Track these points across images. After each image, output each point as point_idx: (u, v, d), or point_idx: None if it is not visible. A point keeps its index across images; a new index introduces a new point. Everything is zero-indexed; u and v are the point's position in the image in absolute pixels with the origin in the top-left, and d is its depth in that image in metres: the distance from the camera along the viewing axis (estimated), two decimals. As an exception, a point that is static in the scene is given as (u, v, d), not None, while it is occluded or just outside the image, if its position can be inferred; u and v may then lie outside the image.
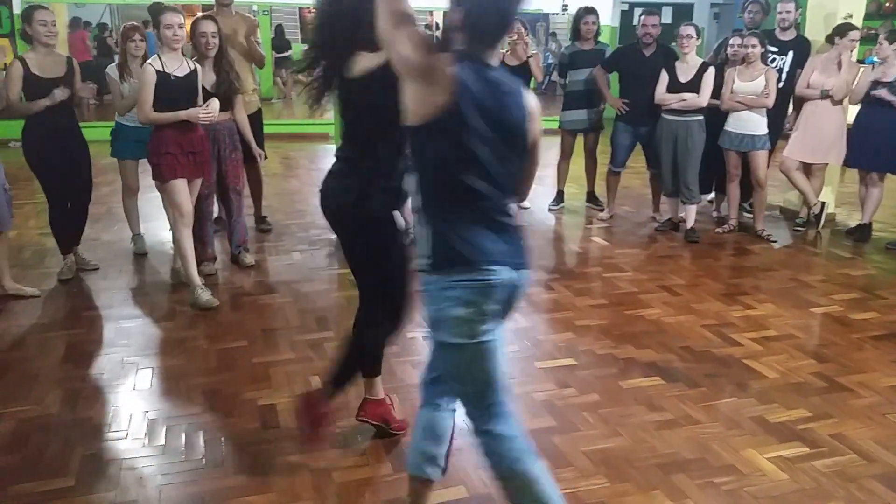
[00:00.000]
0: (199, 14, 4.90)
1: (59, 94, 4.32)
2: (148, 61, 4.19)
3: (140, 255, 5.19)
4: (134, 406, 3.19)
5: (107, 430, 2.99)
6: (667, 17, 6.34)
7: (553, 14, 18.69)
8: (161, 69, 4.09)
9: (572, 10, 12.49)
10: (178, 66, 4.16)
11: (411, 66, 1.83)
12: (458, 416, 2.27)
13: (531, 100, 2.00)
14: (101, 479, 2.67)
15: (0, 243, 4.32)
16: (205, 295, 4.25)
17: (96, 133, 5.92)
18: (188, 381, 3.41)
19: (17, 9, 8.97)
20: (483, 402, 2.08)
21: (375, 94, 2.35)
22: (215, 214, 5.11)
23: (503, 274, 1.97)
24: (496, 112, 1.90)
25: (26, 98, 4.34)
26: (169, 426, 3.01)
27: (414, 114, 1.88)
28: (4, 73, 4.36)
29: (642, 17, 5.98)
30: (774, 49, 6.04)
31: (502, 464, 2.11)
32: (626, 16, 12.50)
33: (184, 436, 2.94)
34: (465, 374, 2.05)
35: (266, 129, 5.69)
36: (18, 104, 4.31)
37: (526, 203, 6.77)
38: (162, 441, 2.91)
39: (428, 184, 1.96)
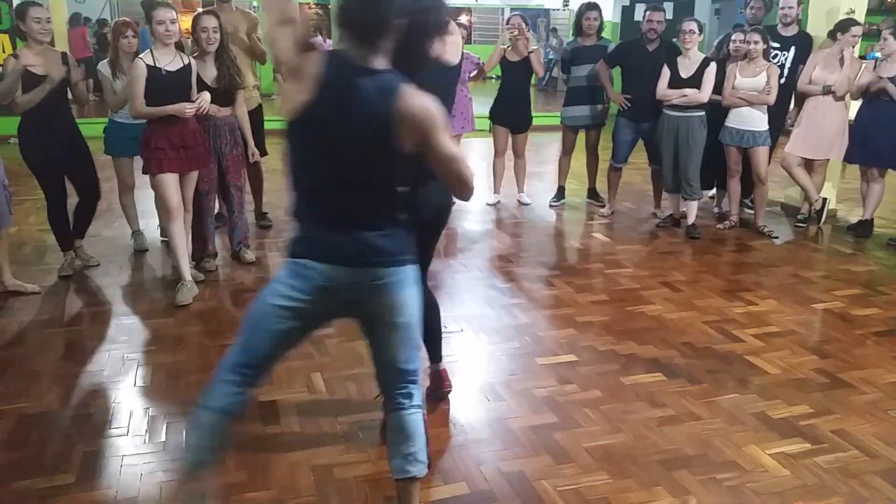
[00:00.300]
0: (200, 10, 4.88)
1: (57, 74, 4.30)
2: (140, 56, 4.19)
3: (140, 252, 5.18)
4: (134, 403, 3.18)
5: (107, 426, 2.99)
6: (668, 12, 6.30)
7: (554, 10, 18.73)
8: (152, 64, 4.09)
9: (573, 5, 12.49)
10: (171, 61, 4.16)
11: (285, 63, 1.97)
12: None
13: (410, 100, 1.90)
14: (101, 475, 2.67)
15: (0, 240, 4.32)
16: (181, 295, 4.25)
17: (94, 129, 5.91)
18: (189, 377, 3.40)
19: (15, 3, 8.94)
20: None
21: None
22: (216, 210, 5.09)
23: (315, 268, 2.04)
24: (349, 112, 1.91)
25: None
26: (169, 423, 3.01)
27: (285, 109, 1.98)
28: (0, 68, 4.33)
29: (648, 12, 5.96)
30: (776, 45, 6.03)
31: None
32: (627, 11, 12.45)
33: (184, 432, 2.93)
34: None
35: (267, 126, 5.67)
36: (20, 98, 4.29)
37: (527, 199, 6.78)
38: (162, 438, 2.90)
39: (292, 178, 2.07)
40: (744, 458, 2.81)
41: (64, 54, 4.51)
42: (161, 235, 5.34)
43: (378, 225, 2.04)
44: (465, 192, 2.09)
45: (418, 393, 2.23)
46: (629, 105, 6.05)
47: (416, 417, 2.23)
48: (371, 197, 2.03)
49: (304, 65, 1.94)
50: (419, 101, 1.92)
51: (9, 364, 3.52)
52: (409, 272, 2.10)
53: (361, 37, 1.94)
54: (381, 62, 1.95)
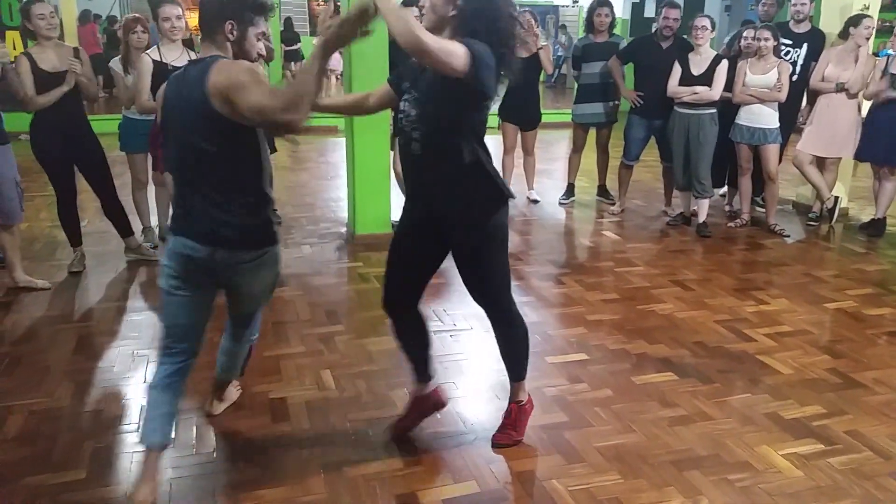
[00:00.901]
0: None
1: (75, 66, 4.33)
2: (146, 52, 4.19)
3: (152, 247, 5.18)
4: (144, 399, 3.17)
5: (118, 422, 2.99)
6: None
7: (563, 6, 18.66)
8: (159, 59, 4.10)
9: (583, 2, 12.43)
10: (178, 57, 4.17)
11: None
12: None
13: (212, 75, 2.16)
14: (112, 471, 2.67)
15: (12, 236, 4.33)
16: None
17: (105, 126, 5.92)
18: (199, 374, 3.36)
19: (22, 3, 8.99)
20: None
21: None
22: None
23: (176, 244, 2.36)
24: (180, 101, 2.29)
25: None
26: (180, 419, 3.00)
27: None
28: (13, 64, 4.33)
29: (664, 8, 5.90)
30: (788, 42, 5.99)
31: None
32: (637, 8, 12.42)
33: (195, 429, 2.94)
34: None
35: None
36: (37, 98, 4.30)
37: (536, 196, 6.75)
38: (172, 435, 2.89)
39: None
40: (756, 459, 2.79)
41: (76, 49, 4.52)
42: (160, 234, 5.33)
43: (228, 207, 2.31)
44: (292, 127, 2.10)
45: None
46: (641, 102, 6.02)
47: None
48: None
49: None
50: (223, 68, 2.15)
51: (19, 360, 3.53)
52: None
53: (204, 29, 2.33)
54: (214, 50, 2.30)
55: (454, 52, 2.18)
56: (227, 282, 2.45)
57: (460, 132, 2.42)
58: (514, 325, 2.78)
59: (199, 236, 2.31)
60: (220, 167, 2.27)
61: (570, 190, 6.79)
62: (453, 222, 2.54)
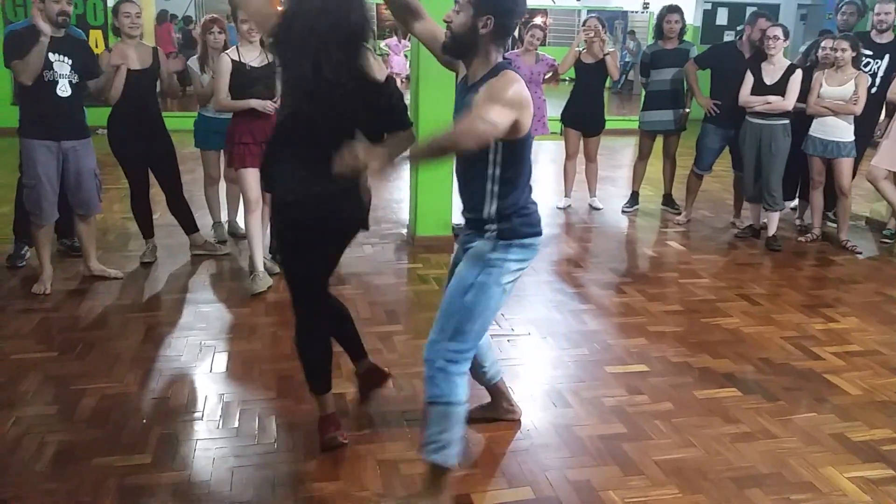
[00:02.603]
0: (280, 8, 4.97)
1: (175, 62, 4.61)
2: (226, 51, 4.31)
3: (220, 242, 5.32)
4: (210, 388, 3.27)
5: (183, 410, 3.08)
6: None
7: (633, 12, 18.43)
8: (237, 59, 4.21)
9: (654, 8, 12.26)
10: (256, 57, 4.27)
11: None
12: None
13: None
14: (176, 457, 2.75)
15: (88, 226, 4.50)
16: (256, 284, 4.34)
17: (179, 123, 6.11)
18: (262, 366, 3.48)
19: (111, 2, 9.31)
20: None
21: None
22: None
23: None
24: None
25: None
26: (243, 409, 3.08)
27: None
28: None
29: (759, 19, 5.71)
30: (869, 52, 5.78)
31: None
32: (708, 15, 12.19)
33: (257, 419, 3.01)
34: None
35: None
36: (112, 91, 4.46)
37: (598, 204, 6.69)
38: (236, 424, 2.98)
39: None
40: (820, 481, 2.71)
41: (155, 49, 4.67)
42: (229, 230, 5.48)
43: None
44: None
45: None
46: (717, 111, 5.88)
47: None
48: None
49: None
50: None
51: (92, 345, 3.67)
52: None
53: None
54: None
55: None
56: None
57: None
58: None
59: None
60: None
61: (633, 198, 6.70)
62: None
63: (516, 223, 2.43)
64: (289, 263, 2.75)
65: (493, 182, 2.38)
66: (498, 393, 3.02)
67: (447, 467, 2.42)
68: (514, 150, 2.35)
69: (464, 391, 2.41)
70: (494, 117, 2.15)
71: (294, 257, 2.70)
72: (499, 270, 2.44)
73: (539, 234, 2.50)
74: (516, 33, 8.25)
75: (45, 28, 3.93)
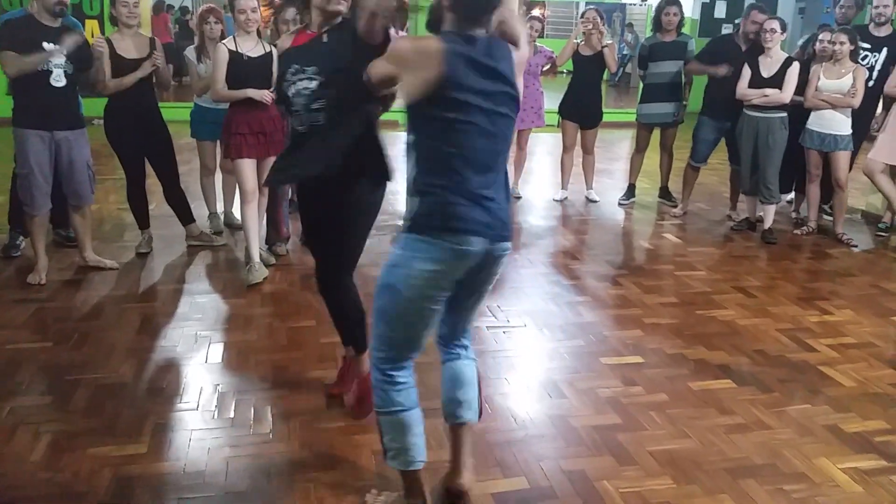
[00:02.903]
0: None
1: (159, 61, 4.50)
2: (223, 41, 4.30)
3: (216, 233, 5.31)
4: (205, 379, 3.27)
5: (178, 400, 3.08)
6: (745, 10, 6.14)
7: (631, 4, 18.38)
8: (234, 49, 4.19)
9: (652, 0, 12.25)
10: (253, 48, 4.25)
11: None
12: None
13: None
14: (171, 447, 2.75)
15: (83, 217, 4.49)
16: (251, 275, 4.34)
17: (175, 113, 6.10)
18: (258, 356, 3.48)
19: (106, -9, 9.30)
20: None
21: None
22: (290, 196, 5.19)
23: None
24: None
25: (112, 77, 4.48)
26: (238, 400, 3.08)
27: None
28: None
29: (753, 11, 5.76)
30: (867, 46, 5.78)
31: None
32: (706, 8, 12.17)
33: (252, 410, 3.01)
34: None
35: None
36: (110, 82, 4.45)
37: (595, 196, 6.69)
38: (231, 414, 2.98)
39: None
40: (814, 471, 2.72)
41: (152, 39, 4.65)
42: (225, 221, 5.48)
43: None
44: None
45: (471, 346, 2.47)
46: (709, 105, 5.89)
47: (471, 367, 2.43)
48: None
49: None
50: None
51: (87, 335, 3.66)
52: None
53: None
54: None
55: None
56: None
57: None
58: (350, 296, 2.89)
59: None
60: None
61: (630, 190, 6.70)
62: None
63: (418, 208, 2.11)
64: (351, 236, 2.88)
65: (407, 146, 2.17)
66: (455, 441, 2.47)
67: (410, 471, 2.34)
68: (413, 113, 2.14)
69: (403, 398, 2.26)
70: (373, 66, 2.24)
71: (355, 227, 2.87)
72: (404, 271, 2.12)
73: (453, 231, 2.05)
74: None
75: (49, 48, 3.93)
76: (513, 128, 2.25)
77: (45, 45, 3.94)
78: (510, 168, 6.70)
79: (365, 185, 2.80)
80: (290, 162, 2.84)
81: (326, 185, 2.73)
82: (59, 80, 4.11)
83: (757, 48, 5.57)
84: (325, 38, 2.73)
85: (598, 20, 6.18)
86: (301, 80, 2.68)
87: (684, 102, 6.31)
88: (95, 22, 9.21)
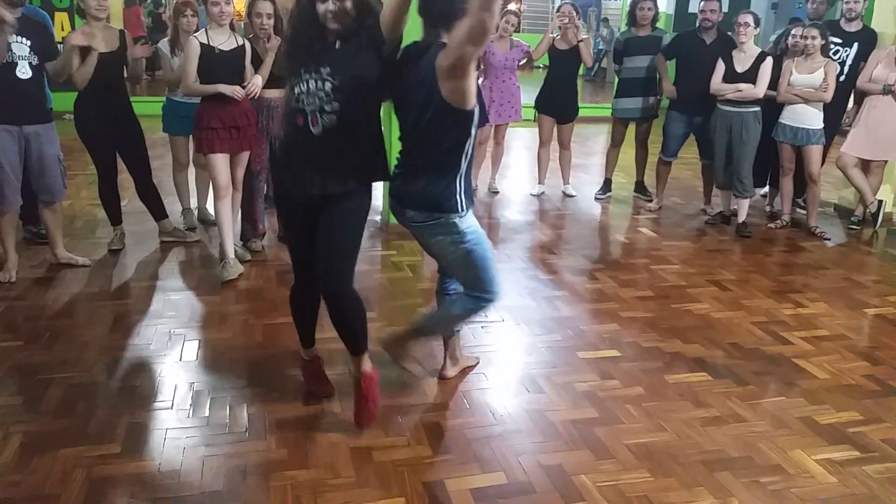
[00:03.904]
0: None
1: (102, 47, 4.36)
2: (194, 34, 4.24)
3: (189, 229, 5.25)
4: (180, 377, 3.23)
5: (152, 399, 3.04)
6: (724, 5, 6.18)
7: None
8: (206, 42, 4.13)
9: (626, -5, 12.29)
10: (225, 41, 4.20)
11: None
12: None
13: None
14: (145, 447, 2.71)
15: (54, 213, 4.41)
16: (226, 272, 4.31)
17: (147, 108, 6.01)
18: (234, 354, 3.45)
19: (76, -17, 9.16)
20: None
21: None
22: (266, 191, 5.14)
23: None
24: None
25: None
26: (213, 398, 3.05)
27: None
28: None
29: (702, 2, 5.84)
30: (838, 41, 5.84)
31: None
32: (681, 2, 12.24)
33: (228, 408, 2.98)
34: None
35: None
36: (76, 74, 4.36)
37: (572, 191, 6.71)
38: (206, 413, 2.94)
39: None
40: (789, 463, 2.75)
41: (122, 32, 4.57)
42: (198, 217, 5.42)
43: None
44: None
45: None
46: (678, 99, 5.94)
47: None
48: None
49: None
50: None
51: (59, 334, 3.60)
52: None
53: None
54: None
55: None
56: None
57: None
58: (358, 298, 2.84)
59: None
60: None
61: (606, 185, 6.72)
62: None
63: (463, 192, 2.80)
64: (354, 235, 2.81)
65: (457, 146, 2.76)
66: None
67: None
68: (465, 117, 2.65)
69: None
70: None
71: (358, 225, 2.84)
72: (480, 232, 2.88)
73: (472, 202, 2.85)
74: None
75: (9, 18, 3.82)
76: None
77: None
78: (488, 163, 6.73)
79: (368, 186, 2.86)
80: (312, 167, 2.68)
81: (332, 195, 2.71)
82: (24, 72, 4.02)
83: (726, 41, 5.64)
84: (337, 45, 2.61)
85: (574, 14, 6.18)
86: (313, 78, 2.58)
87: (658, 97, 6.34)
88: (65, 14, 9.07)
